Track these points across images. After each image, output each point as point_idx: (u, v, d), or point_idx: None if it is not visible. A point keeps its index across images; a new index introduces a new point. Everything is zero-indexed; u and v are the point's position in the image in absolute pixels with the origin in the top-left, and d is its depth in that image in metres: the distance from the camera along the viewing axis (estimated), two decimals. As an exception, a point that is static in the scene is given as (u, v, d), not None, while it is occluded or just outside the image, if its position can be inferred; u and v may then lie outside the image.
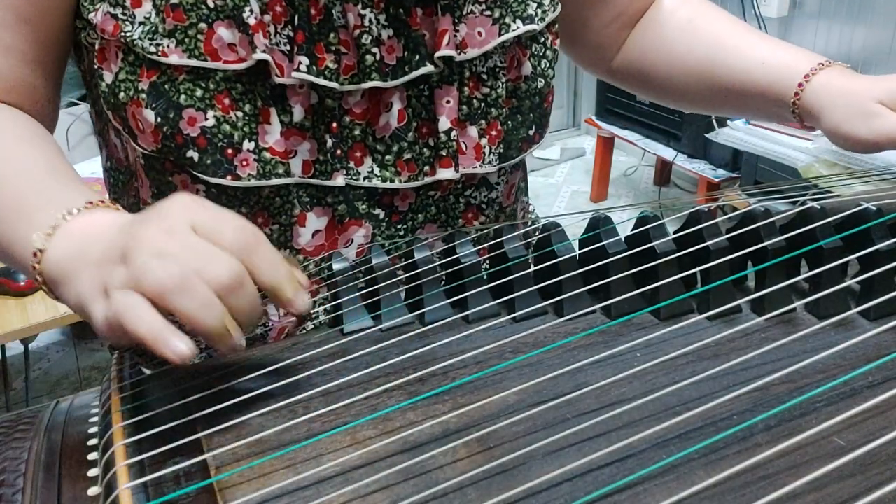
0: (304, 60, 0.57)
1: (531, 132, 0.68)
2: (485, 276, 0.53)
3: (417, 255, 0.53)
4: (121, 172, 0.68)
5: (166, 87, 0.57)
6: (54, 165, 0.55)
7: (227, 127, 0.58)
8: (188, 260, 0.40)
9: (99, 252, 0.44)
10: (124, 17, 0.56)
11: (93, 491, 0.39)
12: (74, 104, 2.67)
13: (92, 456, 0.42)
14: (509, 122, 0.66)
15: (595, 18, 0.79)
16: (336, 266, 0.54)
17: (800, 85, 0.68)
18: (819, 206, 0.51)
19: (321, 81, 0.58)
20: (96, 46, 0.58)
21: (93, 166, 1.91)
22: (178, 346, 0.40)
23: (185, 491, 0.37)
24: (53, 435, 0.45)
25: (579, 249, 0.53)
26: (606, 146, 3.10)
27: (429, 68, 0.60)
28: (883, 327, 0.46)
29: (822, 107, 0.66)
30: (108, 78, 0.58)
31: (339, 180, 0.62)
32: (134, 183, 0.66)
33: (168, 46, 0.56)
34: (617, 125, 2.91)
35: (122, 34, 0.56)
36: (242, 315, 0.42)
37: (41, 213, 0.49)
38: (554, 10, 0.66)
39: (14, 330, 1.57)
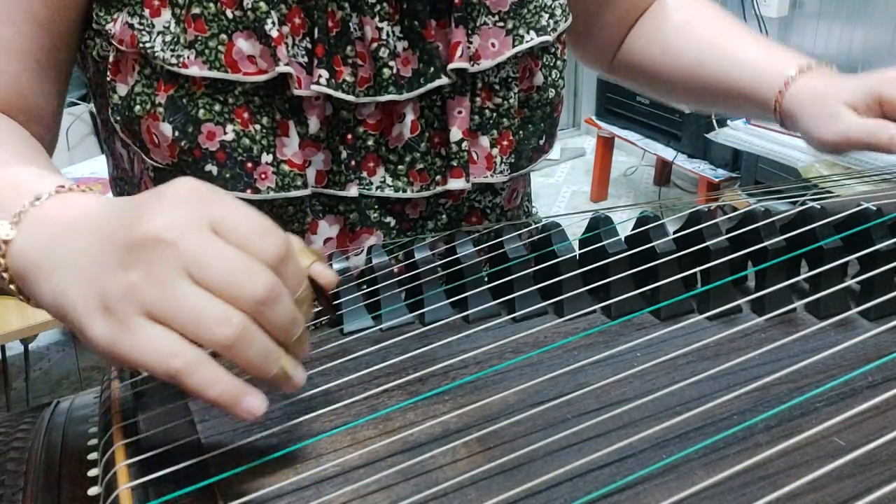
0: (324, 73, 0.57)
1: (541, 142, 0.68)
2: (485, 277, 0.53)
3: (417, 255, 0.53)
4: (126, 183, 0.68)
5: (184, 100, 0.56)
6: (21, 151, 0.51)
7: (246, 141, 0.57)
8: (223, 281, 0.34)
9: (86, 246, 0.38)
10: (141, 27, 0.56)
11: (93, 491, 0.40)
12: (74, 104, 2.67)
13: (92, 456, 0.42)
14: (521, 133, 0.66)
15: (600, 19, 0.80)
16: (336, 266, 0.54)
17: (780, 90, 0.68)
18: (819, 206, 0.51)
19: (340, 94, 0.58)
20: (110, 59, 0.57)
21: (93, 166, 1.91)
22: (254, 405, 0.35)
23: (185, 491, 0.37)
24: (53, 435, 0.45)
25: (579, 249, 0.53)
26: (606, 146, 3.09)
27: (443, 80, 0.60)
28: (883, 327, 0.46)
29: (798, 110, 0.67)
30: (121, 90, 0.58)
31: (353, 191, 0.62)
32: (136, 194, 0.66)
33: (188, 58, 0.55)
34: (617, 125, 2.91)
35: (141, 45, 0.55)
36: (278, 330, 0.36)
37: (5, 200, 0.43)
38: (566, 21, 0.66)
39: (14, 330, 1.56)
